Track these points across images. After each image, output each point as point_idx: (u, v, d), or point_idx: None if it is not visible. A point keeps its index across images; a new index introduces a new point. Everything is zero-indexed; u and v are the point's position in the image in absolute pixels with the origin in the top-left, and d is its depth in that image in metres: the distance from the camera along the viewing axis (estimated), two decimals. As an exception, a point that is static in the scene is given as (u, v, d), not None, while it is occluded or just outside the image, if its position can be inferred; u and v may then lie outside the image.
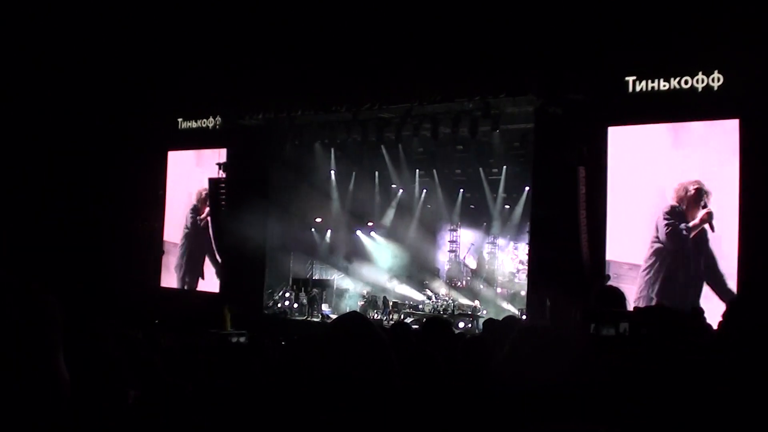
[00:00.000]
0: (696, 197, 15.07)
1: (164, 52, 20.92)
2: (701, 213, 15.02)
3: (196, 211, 23.91)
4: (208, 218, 22.85)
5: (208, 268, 23.43)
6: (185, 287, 23.67)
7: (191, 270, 23.90)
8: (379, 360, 2.35)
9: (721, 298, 14.08)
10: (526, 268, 20.29)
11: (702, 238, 15.02)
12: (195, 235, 23.89)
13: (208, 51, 20.31)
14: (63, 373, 1.68)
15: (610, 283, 14.74)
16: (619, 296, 5.45)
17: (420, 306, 23.36)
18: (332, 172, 23.50)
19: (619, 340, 4.04)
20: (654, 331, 4.07)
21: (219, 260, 22.59)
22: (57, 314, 1.70)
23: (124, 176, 23.70)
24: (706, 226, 14.96)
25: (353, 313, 2.84)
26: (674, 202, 15.29)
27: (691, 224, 15.15)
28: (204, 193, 23.19)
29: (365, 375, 2.30)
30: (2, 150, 21.57)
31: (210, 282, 23.15)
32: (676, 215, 15.30)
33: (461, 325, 20.10)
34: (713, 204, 14.87)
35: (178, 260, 24.17)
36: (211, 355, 7.63)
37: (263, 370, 5.23)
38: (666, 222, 15.40)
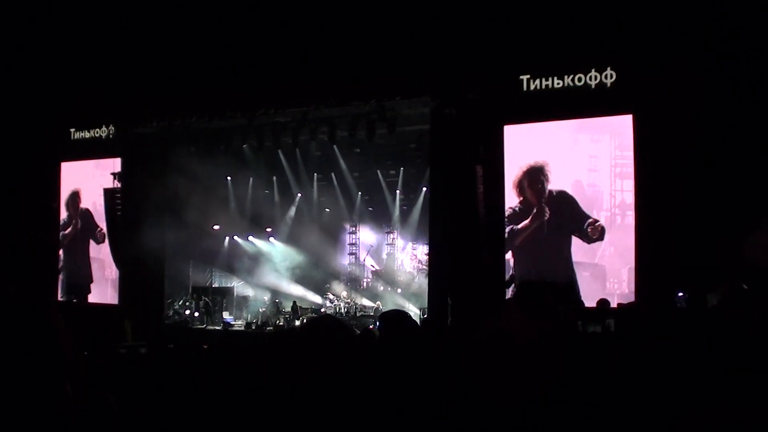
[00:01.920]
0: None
1: (56, 61, 20.40)
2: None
3: (67, 222, 23.53)
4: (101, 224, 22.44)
5: (97, 280, 22.91)
6: (73, 300, 23.07)
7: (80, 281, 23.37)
8: (353, 362, 2.37)
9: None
10: (426, 267, 20.49)
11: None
12: (74, 246, 23.43)
13: (99, 59, 19.89)
14: (68, 393, 1.67)
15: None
16: (540, 291, 5.53)
17: (322, 309, 23.38)
18: (229, 178, 23.33)
19: (605, 336, 4.17)
20: (638, 328, 4.21)
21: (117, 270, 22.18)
22: (66, 335, 1.70)
23: (16, 188, 23.03)
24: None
25: (327, 316, 2.84)
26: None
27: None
28: (69, 202, 23.01)
29: (338, 377, 2.32)
30: None
31: (105, 293, 22.65)
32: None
33: (371, 327, 20.16)
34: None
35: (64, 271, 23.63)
36: (122, 367, 7.52)
37: (185, 377, 5.20)
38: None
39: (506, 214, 16.11)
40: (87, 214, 22.99)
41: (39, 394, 1.61)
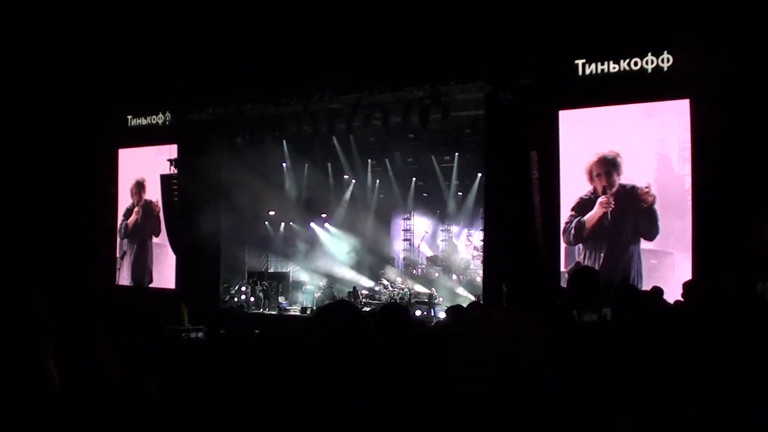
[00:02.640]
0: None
1: (112, 49, 20.64)
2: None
3: (130, 209, 23.87)
4: (160, 214, 22.71)
5: (157, 265, 23.22)
6: (138, 284, 23.41)
7: (141, 267, 23.70)
8: (367, 349, 2.35)
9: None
10: (481, 254, 20.40)
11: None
12: (136, 233, 23.78)
13: (156, 47, 20.08)
14: (53, 376, 1.70)
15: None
16: (592, 277, 5.45)
17: (376, 295, 23.40)
18: (284, 164, 23.42)
19: (601, 325, 4.09)
20: (633, 316, 4.13)
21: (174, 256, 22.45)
22: (47, 320, 1.72)
23: (75, 175, 23.43)
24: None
25: (342, 301, 2.83)
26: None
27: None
28: (133, 190, 23.26)
29: (353, 364, 2.30)
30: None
31: (163, 278, 22.95)
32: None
33: (417, 313, 20.15)
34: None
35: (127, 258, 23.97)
36: (168, 350, 7.58)
37: (231, 363, 5.20)
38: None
39: (575, 202, 15.95)
40: (149, 205, 23.29)
41: (20, 376, 1.63)
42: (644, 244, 15.21)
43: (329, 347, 2.32)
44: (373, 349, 2.36)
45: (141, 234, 23.56)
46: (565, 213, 16.10)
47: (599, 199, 15.67)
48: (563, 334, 4.14)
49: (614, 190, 15.55)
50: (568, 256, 16.10)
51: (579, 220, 15.88)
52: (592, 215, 15.75)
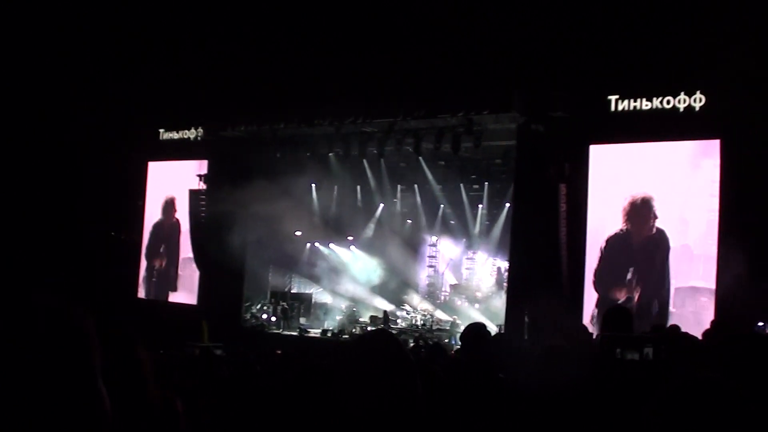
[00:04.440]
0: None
1: (147, 62, 20.84)
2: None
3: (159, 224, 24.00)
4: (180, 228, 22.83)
5: (181, 280, 23.26)
6: (156, 298, 23.40)
7: (163, 281, 23.75)
8: (406, 384, 2.31)
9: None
10: (506, 284, 20.32)
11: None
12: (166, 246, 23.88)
13: (191, 62, 20.25)
14: (104, 396, 1.70)
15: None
16: (627, 317, 5.44)
17: (398, 321, 23.34)
18: (313, 185, 23.45)
19: (643, 364, 4.07)
20: (675, 356, 4.10)
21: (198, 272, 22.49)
22: (96, 337, 1.72)
23: (104, 186, 23.55)
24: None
25: (382, 330, 2.79)
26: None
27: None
28: (164, 207, 23.47)
29: (391, 400, 2.26)
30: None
31: (185, 294, 22.98)
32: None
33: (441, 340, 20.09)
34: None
35: (148, 271, 24.04)
36: (195, 367, 7.60)
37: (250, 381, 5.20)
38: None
39: (605, 242, 15.88)
40: (175, 225, 23.40)
41: (71, 396, 1.63)
42: (677, 283, 15.09)
43: (369, 385, 2.27)
44: (414, 389, 2.32)
45: (168, 248, 23.62)
46: (592, 248, 15.99)
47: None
48: (607, 372, 4.13)
49: (652, 233, 15.42)
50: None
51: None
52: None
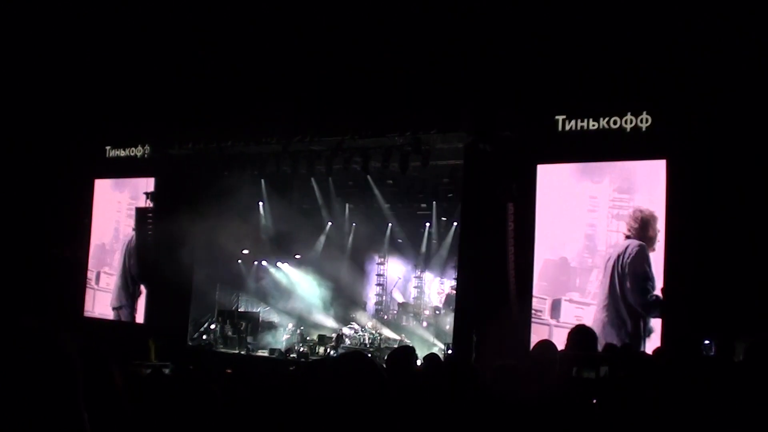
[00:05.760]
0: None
1: (94, 79, 20.66)
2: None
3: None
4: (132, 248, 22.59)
5: (127, 298, 23.01)
6: (120, 318, 23.06)
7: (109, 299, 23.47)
8: (382, 406, 2.33)
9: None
10: (453, 303, 20.41)
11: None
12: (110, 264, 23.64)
13: (137, 79, 20.12)
14: (85, 418, 1.71)
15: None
16: (591, 336, 5.53)
17: (345, 339, 23.29)
18: (261, 203, 23.39)
19: (599, 383, 4.13)
20: (630, 374, 4.17)
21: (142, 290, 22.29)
22: (78, 360, 1.73)
23: (50, 203, 23.27)
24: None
25: (356, 352, 2.79)
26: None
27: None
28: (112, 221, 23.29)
29: (367, 422, 2.28)
30: None
31: (131, 312, 22.74)
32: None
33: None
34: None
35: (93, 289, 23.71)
36: (144, 386, 7.50)
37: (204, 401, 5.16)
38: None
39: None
40: (122, 243, 23.20)
41: (55, 418, 1.63)
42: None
43: (345, 408, 2.28)
44: (388, 411, 2.34)
45: (114, 266, 23.36)
46: (539, 264, 16.15)
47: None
48: (561, 389, 4.19)
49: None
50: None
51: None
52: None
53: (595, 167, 15.83)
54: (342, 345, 22.20)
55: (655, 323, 14.68)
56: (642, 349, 13.64)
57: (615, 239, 15.36)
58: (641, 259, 14.96)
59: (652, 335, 14.64)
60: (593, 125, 15.54)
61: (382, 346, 22.08)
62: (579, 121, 15.67)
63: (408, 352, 5.68)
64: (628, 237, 15.16)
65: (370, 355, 20.18)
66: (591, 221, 15.75)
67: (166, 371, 15.85)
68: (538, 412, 3.77)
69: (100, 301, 23.56)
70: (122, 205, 23.24)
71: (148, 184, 21.95)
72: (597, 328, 14.86)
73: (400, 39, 17.36)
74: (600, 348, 7.42)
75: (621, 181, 15.42)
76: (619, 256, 15.20)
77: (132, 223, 22.28)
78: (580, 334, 5.50)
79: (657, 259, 14.77)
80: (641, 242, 15.00)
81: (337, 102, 18.07)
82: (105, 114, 21.50)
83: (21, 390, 1.61)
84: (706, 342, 11.11)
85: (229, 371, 12.65)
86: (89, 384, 2.15)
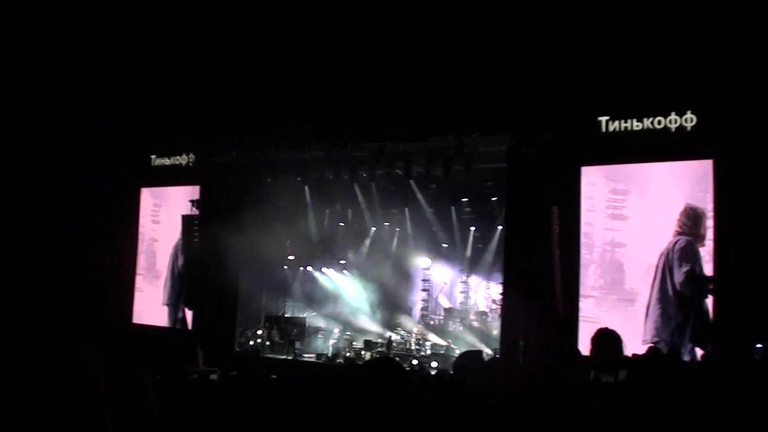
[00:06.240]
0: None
1: (138, 88, 20.89)
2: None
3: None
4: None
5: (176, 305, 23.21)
6: (177, 325, 23.24)
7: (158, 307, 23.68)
8: (408, 411, 2.31)
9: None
10: (499, 307, 20.30)
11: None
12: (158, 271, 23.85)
13: (181, 88, 20.30)
14: (107, 424, 1.71)
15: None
16: (616, 340, 5.44)
17: (392, 344, 23.27)
18: (305, 209, 23.46)
19: (617, 387, 4.05)
20: (651, 378, 4.09)
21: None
22: (99, 367, 1.74)
23: (98, 212, 23.57)
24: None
25: (385, 357, 2.78)
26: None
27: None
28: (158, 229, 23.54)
29: (392, 426, 2.26)
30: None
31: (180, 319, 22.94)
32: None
33: (434, 364, 20.06)
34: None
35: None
36: (191, 391, 7.56)
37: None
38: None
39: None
40: (169, 250, 23.39)
41: (76, 423, 1.64)
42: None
43: (372, 412, 2.27)
44: (415, 416, 2.32)
45: (162, 273, 23.57)
46: (586, 268, 15.97)
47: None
48: (579, 394, 4.11)
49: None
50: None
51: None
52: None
53: (640, 168, 15.64)
54: (392, 350, 22.19)
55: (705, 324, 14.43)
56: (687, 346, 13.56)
57: (663, 237, 15.14)
58: (691, 252, 14.70)
59: (703, 335, 14.37)
60: (637, 126, 15.35)
61: (428, 352, 22.01)
62: (622, 121, 15.48)
63: (478, 356, 5.60)
64: (679, 233, 14.92)
65: (416, 361, 20.18)
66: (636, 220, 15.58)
67: (213, 377, 15.96)
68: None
69: (149, 308, 23.76)
70: (167, 213, 23.44)
71: (194, 191, 22.12)
72: (649, 326, 14.75)
73: (441, 42, 17.32)
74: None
75: (666, 182, 15.22)
76: (668, 252, 14.96)
77: (178, 229, 22.46)
78: (603, 337, 5.41)
79: (705, 258, 14.53)
80: (689, 237, 14.78)
81: (378, 107, 18.06)
82: (149, 123, 21.72)
83: (41, 396, 1.62)
84: (758, 347, 10.93)
85: (273, 377, 12.68)
86: (118, 389, 2.15)
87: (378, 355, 21.57)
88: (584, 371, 4.28)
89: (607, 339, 5.35)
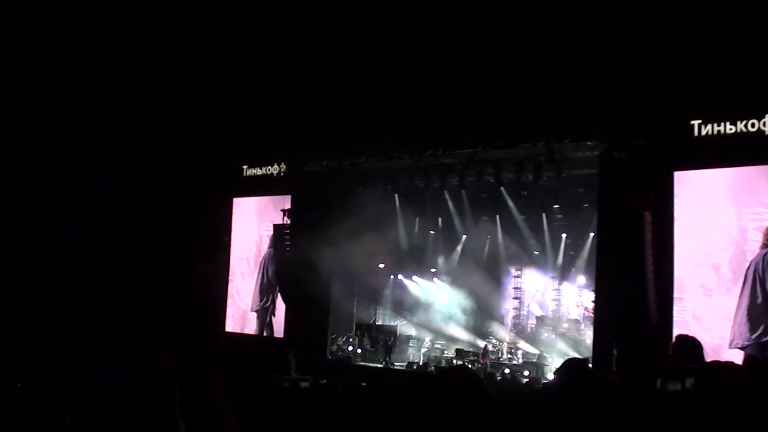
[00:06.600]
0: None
1: (231, 100, 21.28)
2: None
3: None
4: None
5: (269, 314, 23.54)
6: (264, 333, 23.59)
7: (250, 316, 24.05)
8: (487, 421, 2.31)
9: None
10: (592, 315, 20.03)
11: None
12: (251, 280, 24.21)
13: (274, 99, 20.60)
14: (181, 426, 1.78)
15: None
16: (695, 347, 5.31)
17: (489, 354, 23.13)
18: (396, 217, 23.50)
19: (684, 395, 3.95)
20: (721, 387, 3.97)
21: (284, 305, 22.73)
22: (174, 374, 1.82)
23: (192, 222, 24.06)
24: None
25: (461, 366, 2.79)
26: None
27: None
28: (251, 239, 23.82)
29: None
30: (77, 199, 22.19)
31: (272, 327, 23.24)
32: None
33: (526, 373, 19.89)
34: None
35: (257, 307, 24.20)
36: (283, 399, 7.66)
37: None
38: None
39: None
40: (261, 259, 23.75)
41: (153, 425, 1.70)
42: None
43: (447, 413, 2.27)
44: (493, 421, 2.31)
45: (254, 282, 23.93)
46: (679, 275, 15.63)
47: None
48: (644, 402, 4.02)
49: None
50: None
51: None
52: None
53: (734, 172, 15.24)
54: (479, 359, 22.07)
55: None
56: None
57: (753, 247, 14.73)
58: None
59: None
60: (730, 129, 14.98)
61: (520, 360, 21.84)
62: (715, 125, 15.13)
63: (582, 363, 5.51)
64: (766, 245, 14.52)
65: (508, 370, 20.02)
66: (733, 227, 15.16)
67: (305, 385, 16.11)
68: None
69: (242, 317, 24.14)
70: (258, 222, 23.82)
71: (285, 201, 22.40)
72: (736, 331, 14.35)
73: (532, 49, 17.23)
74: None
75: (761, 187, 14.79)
76: (757, 263, 14.54)
77: (268, 239, 22.81)
78: (682, 345, 5.27)
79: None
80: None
81: (468, 114, 18.04)
82: (242, 134, 22.12)
83: (122, 400, 1.68)
84: None
85: (363, 384, 12.74)
86: (190, 395, 2.20)
87: (470, 365, 21.49)
88: (650, 379, 4.17)
89: (686, 346, 5.23)
